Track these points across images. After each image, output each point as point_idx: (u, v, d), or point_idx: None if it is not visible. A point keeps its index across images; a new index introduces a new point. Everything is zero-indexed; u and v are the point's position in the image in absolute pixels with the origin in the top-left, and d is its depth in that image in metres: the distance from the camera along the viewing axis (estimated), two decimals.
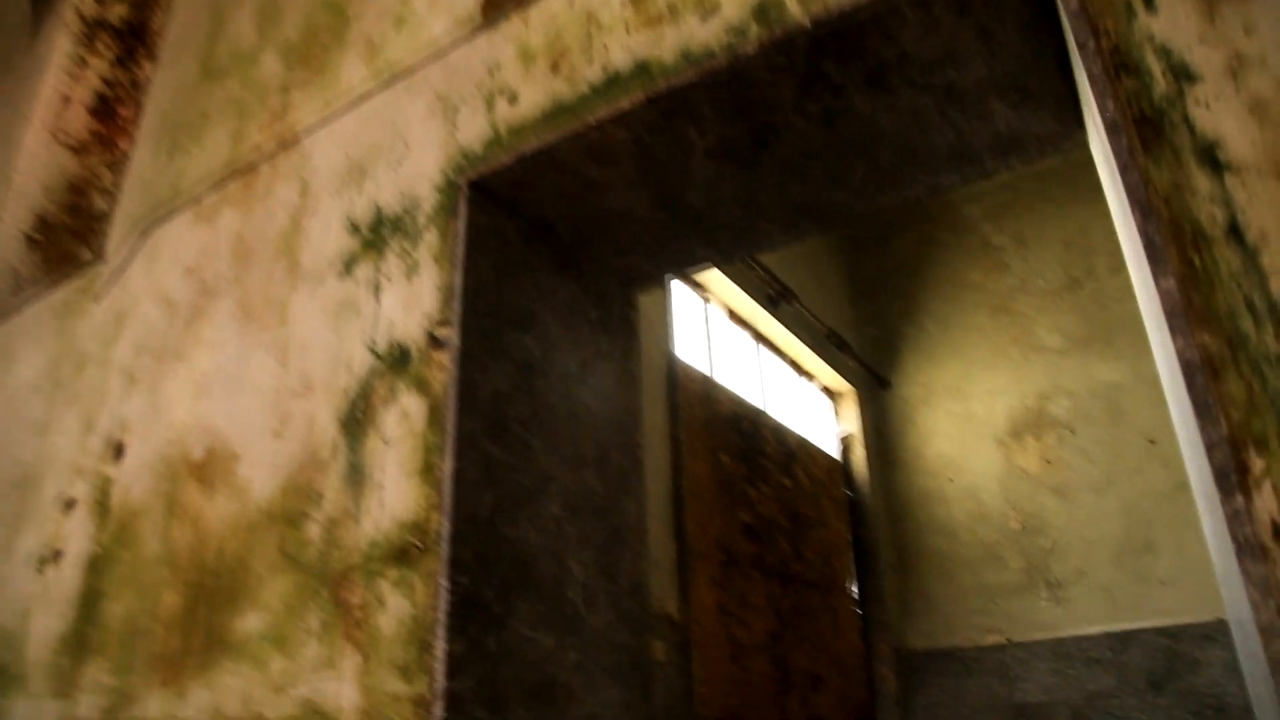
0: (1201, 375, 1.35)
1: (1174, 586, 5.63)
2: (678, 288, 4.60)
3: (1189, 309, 1.40)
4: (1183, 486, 5.76)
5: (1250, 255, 1.41)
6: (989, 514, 6.19)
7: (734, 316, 5.30)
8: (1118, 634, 5.66)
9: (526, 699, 2.13)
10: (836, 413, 6.52)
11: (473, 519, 2.11)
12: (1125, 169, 1.52)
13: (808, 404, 6.21)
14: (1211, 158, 1.49)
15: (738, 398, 4.72)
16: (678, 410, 3.78)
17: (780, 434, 5.18)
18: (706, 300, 4.98)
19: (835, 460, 6.05)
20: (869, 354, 6.89)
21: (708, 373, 4.52)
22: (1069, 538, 5.94)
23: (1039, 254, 6.58)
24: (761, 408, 5.06)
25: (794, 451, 5.29)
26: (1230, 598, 1.63)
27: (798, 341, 5.75)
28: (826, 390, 6.50)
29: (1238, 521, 1.27)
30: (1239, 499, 1.28)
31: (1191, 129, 1.52)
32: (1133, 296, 6.11)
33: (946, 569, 6.19)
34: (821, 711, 4.76)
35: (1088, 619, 5.75)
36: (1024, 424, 6.29)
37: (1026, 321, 6.51)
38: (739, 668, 3.98)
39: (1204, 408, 1.33)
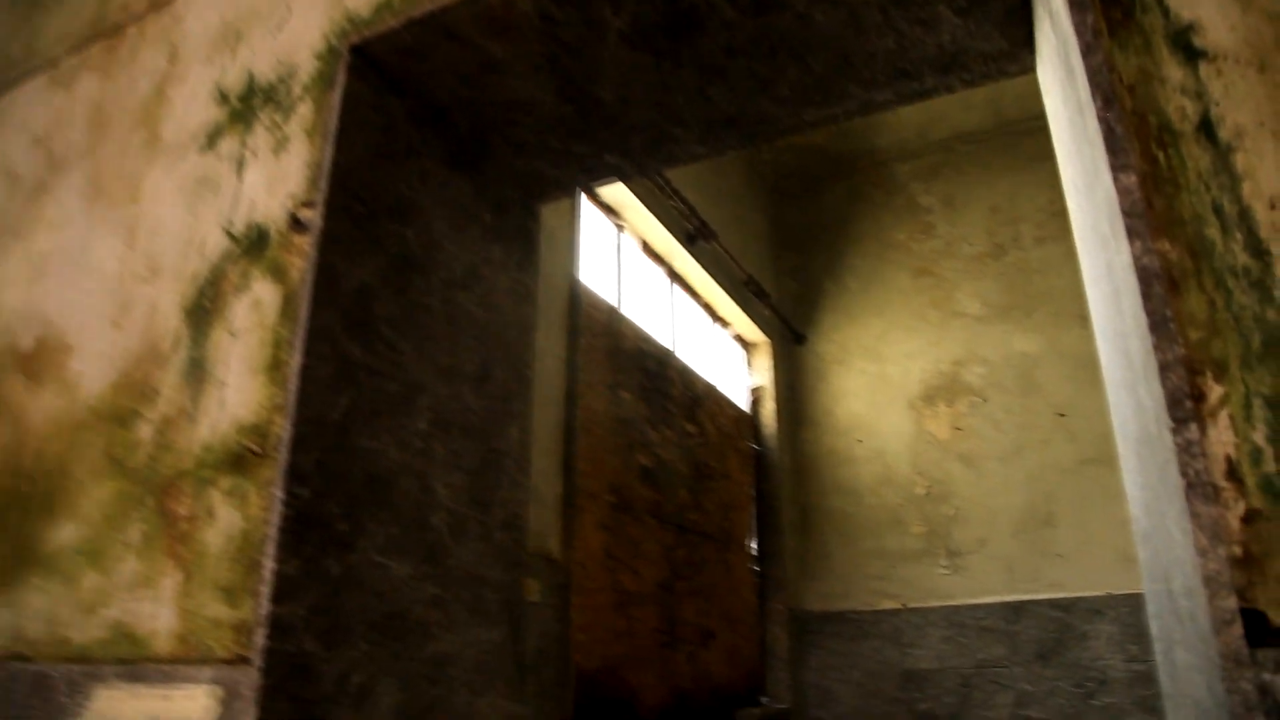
0: (1160, 286, 1.15)
1: (1070, 560, 5.63)
2: (589, 210, 4.33)
3: (1149, 211, 1.20)
4: (1088, 462, 5.76)
5: (1222, 155, 1.21)
6: (895, 478, 6.12)
7: (648, 250, 5.05)
8: (1012, 604, 5.65)
9: (371, 632, 1.88)
10: (749, 363, 6.36)
11: (320, 424, 1.84)
12: (1089, 51, 1.31)
13: (720, 351, 6.03)
14: (1185, 44, 1.28)
15: (645, 334, 4.49)
16: (577, 337, 3.53)
17: (688, 378, 4.97)
18: (620, 228, 4.72)
19: (744, 412, 5.89)
20: (787, 306, 6.73)
21: (615, 304, 4.27)
22: (972, 506, 5.90)
23: (966, 218, 6.48)
24: (670, 348, 4.84)
25: (701, 398, 5.10)
26: (1154, 553, 1.46)
27: (714, 285, 5.53)
28: (740, 339, 6.32)
29: (1189, 455, 1.08)
30: (1192, 429, 1.09)
31: (1165, 11, 1.31)
32: (1055, 268, 6.06)
33: (848, 531, 6.11)
34: (710, 668, 4.62)
35: (984, 588, 5.74)
36: (937, 389, 6.22)
37: (948, 286, 6.42)
38: (624, 617, 3.79)
39: (1160, 323, 1.14)
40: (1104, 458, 5.76)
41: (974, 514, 5.89)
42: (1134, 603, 5.46)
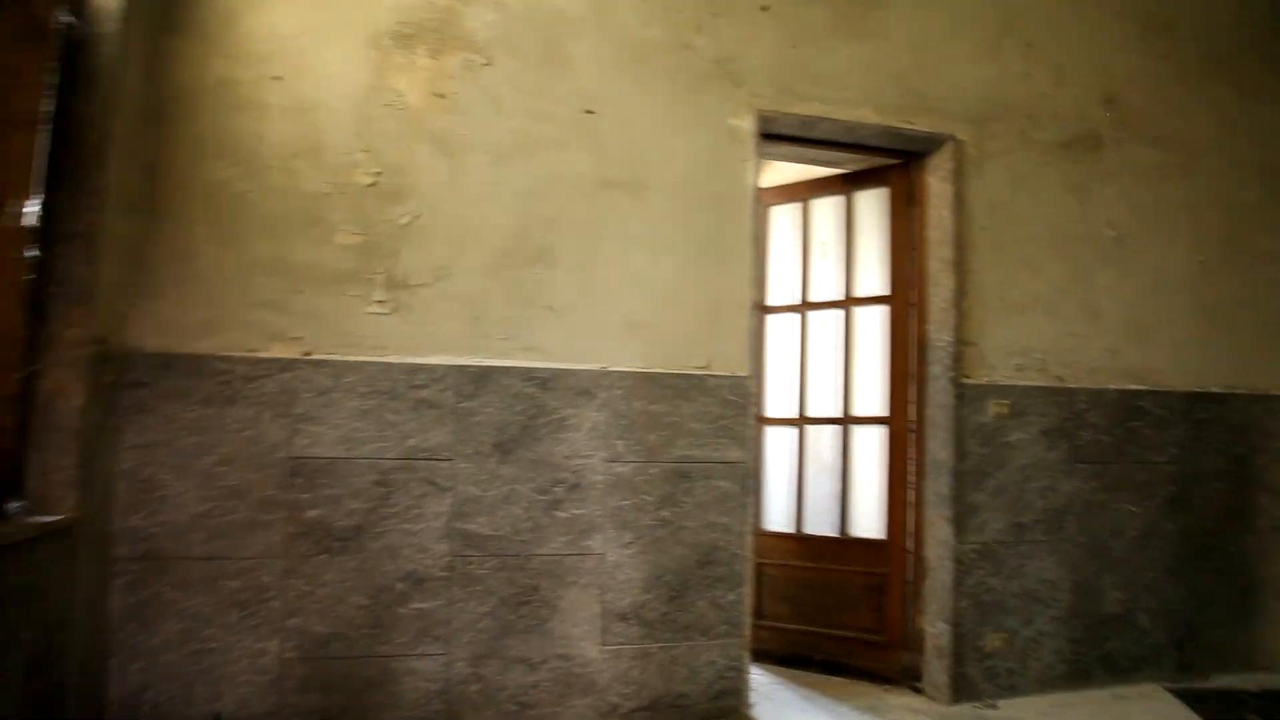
0: None
1: (563, 318, 3.87)
2: None
3: None
4: (612, 185, 3.96)
5: None
6: (327, 150, 3.70)
7: None
8: (473, 370, 3.74)
9: None
10: None
11: None
12: None
13: None
14: None
15: None
16: None
17: None
18: None
19: None
20: None
21: None
22: (439, 217, 3.77)
23: None
24: None
25: None
26: None
27: None
28: None
29: None
30: None
31: None
32: None
33: (231, 222, 3.58)
34: None
35: (435, 342, 3.72)
36: (421, 28, 3.85)
37: None
38: None
39: None
40: (634, 183, 4.01)
41: (439, 228, 3.78)
42: (635, 384, 3.92)
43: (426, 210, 3.76)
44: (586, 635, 3.82)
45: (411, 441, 3.65)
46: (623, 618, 3.87)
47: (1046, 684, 4.54)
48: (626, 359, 3.92)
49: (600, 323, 3.90)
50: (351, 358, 3.62)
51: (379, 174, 3.72)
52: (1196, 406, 4.98)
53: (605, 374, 3.88)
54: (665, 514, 3.94)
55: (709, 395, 4.01)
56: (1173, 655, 4.85)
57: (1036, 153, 4.70)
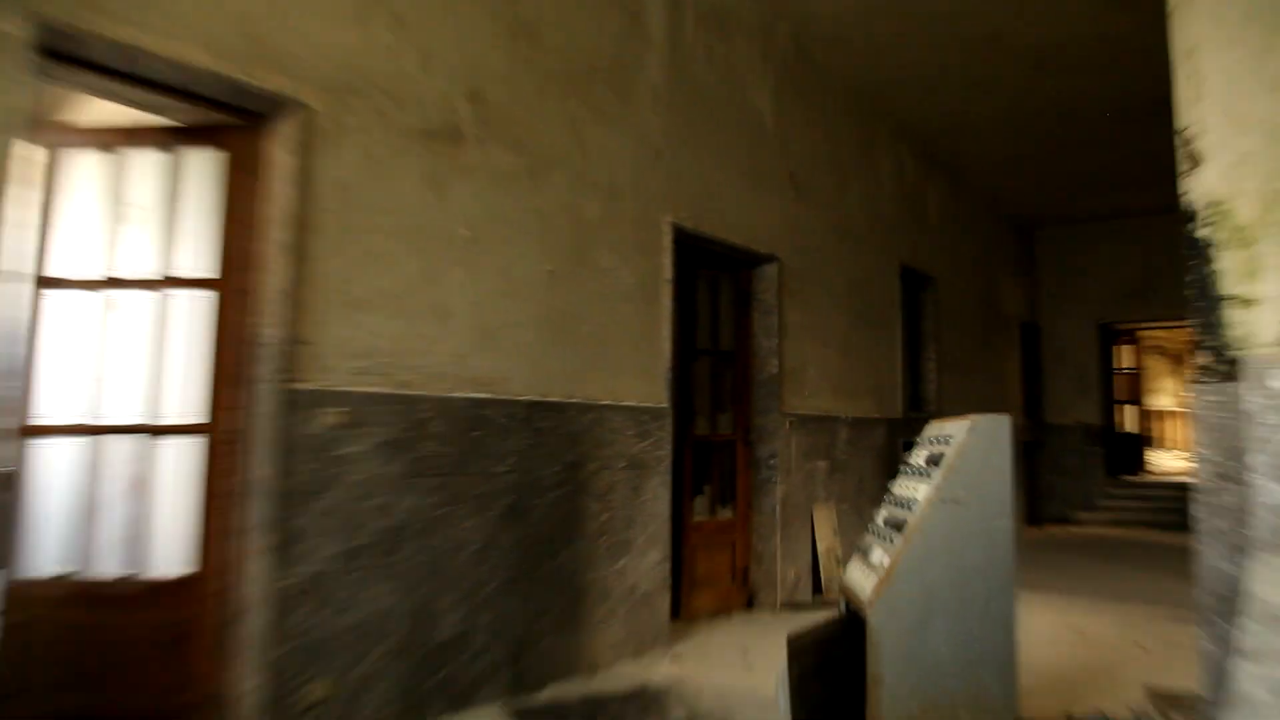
0: None
1: None
2: None
3: None
4: None
5: None
6: None
7: None
8: None
9: None
10: None
11: None
12: None
13: None
14: None
15: None
16: None
17: None
18: None
19: None
20: None
21: None
22: None
23: None
24: None
25: None
26: None
27: None
28: None
29: None
30: None
31: None
32: None
33: None
34: None
35: None
36: None
37: None
38: None
39: None
40: None
41: None
42: None
43: None
44: None
45: None
46: None
47: None
48: None
49: None
50: None
51: None
52: (537, 415, 4.96)
53: None
54: None
55: None
56: (510, 671, 4.72)
57: (396, 136, 4.23)
